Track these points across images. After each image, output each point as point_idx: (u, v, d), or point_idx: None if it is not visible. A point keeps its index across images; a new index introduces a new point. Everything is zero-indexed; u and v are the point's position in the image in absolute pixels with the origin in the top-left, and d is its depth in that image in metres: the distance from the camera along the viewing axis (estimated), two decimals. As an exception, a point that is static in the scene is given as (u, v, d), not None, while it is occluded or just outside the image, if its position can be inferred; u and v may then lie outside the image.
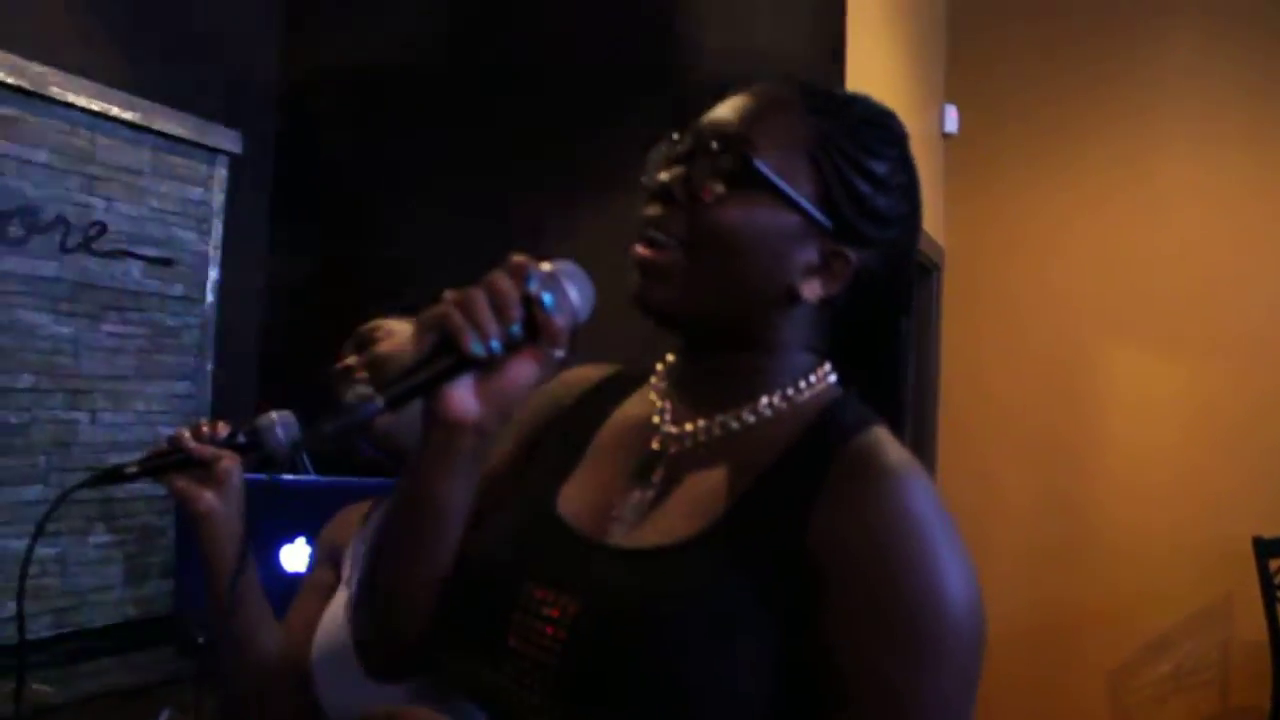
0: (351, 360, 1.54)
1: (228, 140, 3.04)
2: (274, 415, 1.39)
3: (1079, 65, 4.96)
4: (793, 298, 0.90)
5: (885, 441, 0.88)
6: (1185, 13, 4.87)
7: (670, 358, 0.99)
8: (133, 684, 2.58)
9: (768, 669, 0.79)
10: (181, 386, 2.97)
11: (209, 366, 3.02)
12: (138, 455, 2.77)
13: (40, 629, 2.58)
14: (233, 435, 1.39)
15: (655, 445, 0.94)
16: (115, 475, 1.34)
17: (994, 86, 5.05)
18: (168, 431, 2.97)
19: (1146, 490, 4.81)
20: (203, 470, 1.35)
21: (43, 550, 2.58)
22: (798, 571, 0.81)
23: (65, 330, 2.66)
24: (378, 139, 3.20)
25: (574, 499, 0.94)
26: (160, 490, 2.85)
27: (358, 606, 0.98)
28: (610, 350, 1.09)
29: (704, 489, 0.89)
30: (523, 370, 0.86)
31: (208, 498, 1.35)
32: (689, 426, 0.93)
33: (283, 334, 3.22)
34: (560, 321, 0.84)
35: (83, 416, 2.72)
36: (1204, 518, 4.68)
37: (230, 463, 1.36)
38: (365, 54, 3.19)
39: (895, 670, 0.78)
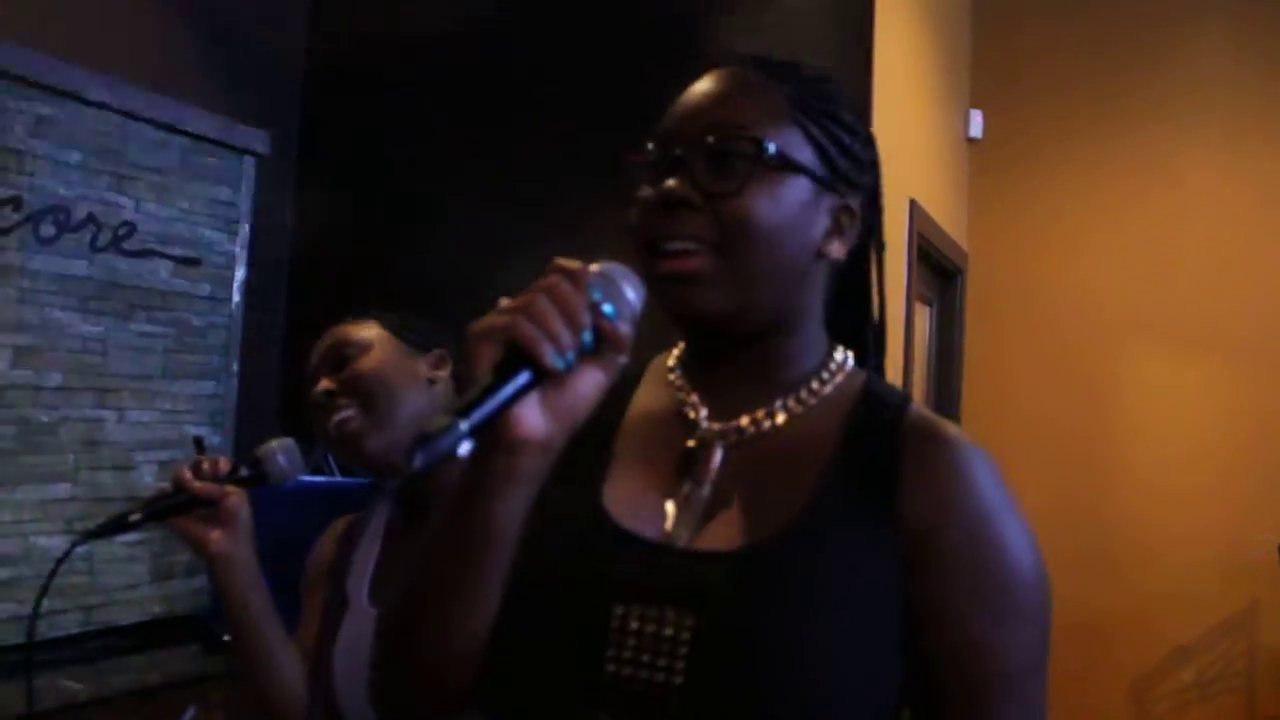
0: (328, 384, 1.49)
1: (255, 140, 3.06)
2: (274, 444, 1.38)
3: (1103, 70, 4.94)
4: (819, 260, 0.91)
5: (930, 414, 0.92)
6: (1211, 18, 4.83)
7: (679, 348, 0.98)
8: (158, 681, 2.60)
9: (893, 653, 0.82)
10: (207, 386, 2.99)
11: (235, 366, 3.04)
12: (164, 454, 2.81)
13: (69, 625, 2.60)
14: (235, 469, 1.37)
15: (692, 442, 0.91)
16: (120, 524, 1.33)
17: (1018, 91, 5.03)
18: (193, 431, 3.01)
19: (1171, 495, 4.78)
20: (209, 510, 1.34)
21: (71, 547, 2.61)
22: (899, 552, 0.83)
23: (94, 329, 2.68)
24: (405, 137, 3.21)
25: (620, 501, 0.89)
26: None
27: (387, 662, 0.89)
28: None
29: (770, 483, 0.88)
30: (591, 380, 0.79)
31: (217, 538, 1.33)
32: (732, 422, 0.92)
33: (308, 334, 3.23)
34: (624, 327, 0.79)
35: (110, 415, 2.74)
36: (1229, 524, 4.64)
37: (236, 499, 1.34)
38: (392, 51, 3.21)
39: (996, 635, 0.83)
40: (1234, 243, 4.80)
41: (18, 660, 1.98)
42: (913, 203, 3.76)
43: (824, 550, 0.83)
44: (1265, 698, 4.65)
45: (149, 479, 2.79)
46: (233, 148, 3.00)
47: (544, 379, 0.76)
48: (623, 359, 0.80)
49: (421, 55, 3.20)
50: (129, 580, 2.77)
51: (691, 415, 0.93)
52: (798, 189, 0.88)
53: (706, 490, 0.88)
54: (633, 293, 0.82)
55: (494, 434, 0.76)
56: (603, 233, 1.14)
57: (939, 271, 4.70)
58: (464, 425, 0.70)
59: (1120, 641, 4.79)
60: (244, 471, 1.38)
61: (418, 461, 0.68)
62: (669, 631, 0.80)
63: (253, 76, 3.14)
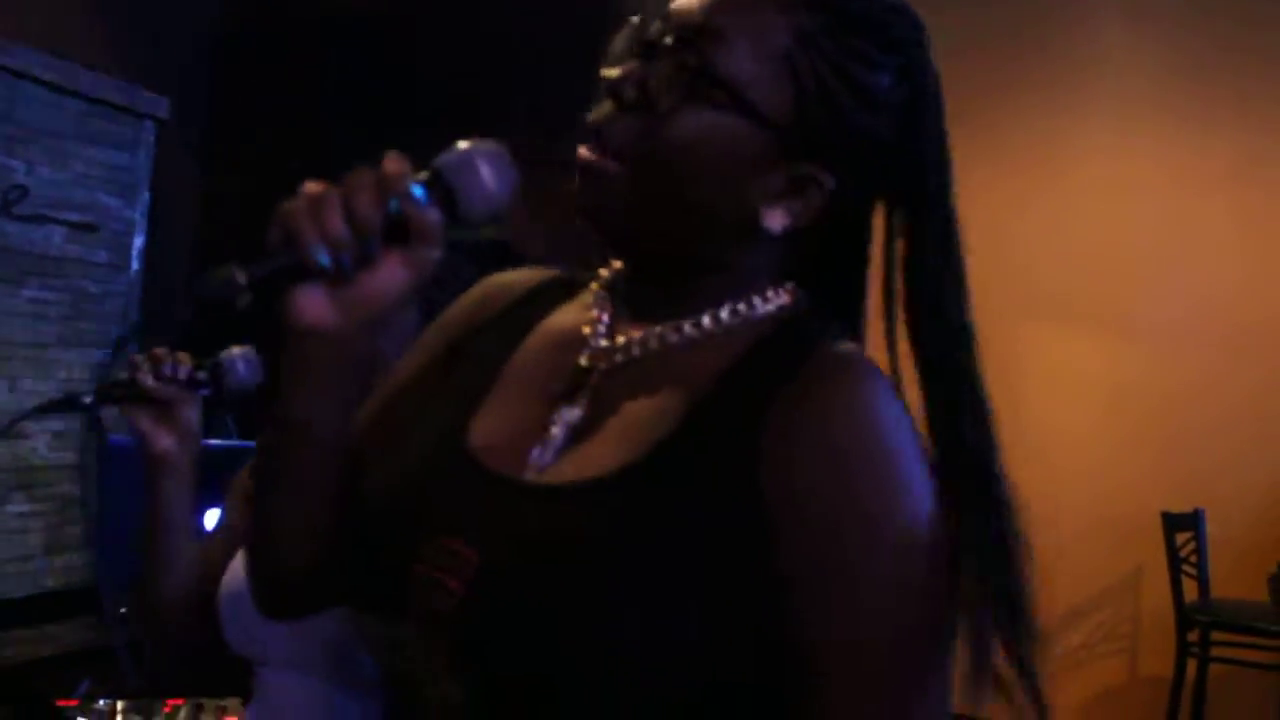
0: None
1: (155, 105, 2.99)
2: (235, 350, 1.36)
3: (1000, 54, 5.06)
4: (754, 226, 0.76)
5: (859, 357, 0.77)
6: (1105, 5, 4.98)
7: (615, 264, 0.85)
8: (51, 654, 2.56)
9: (704, 620, 0.70)
10: (105, 354, 2.93)
11: (134, 335, 2.99)
12: (59, 424, 2.75)
13: (-43, 598, 2.55)
14: (192, 372, 1.35)
15: (584, 361, 0.80)
16: (71, 404, 1.33)
17: (925, 70, 5.12)
18: (89, 401, 2.94)
19: (1065, 467, 4.95)
20: (162, 407, 1.34)
21: (-40, 519, 2.55)
22: (745, 501, 0.71)
23: (-16, 296, 2.61)
24: (312, 105, 3.17)
25: (488, 428, 0.82)
26: (78, 461, 2.83)
27: (247, 543, 0.90)
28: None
29: (637, 412, 0.77)
30: (390, 275, 0.71)
31: (160, 437, 1.32)
32: (621, 339, 0.80)
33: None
34: (431, 216, 0.71)
35: (1, 384, 2.67)
36: (1118, 494, 4.83)
37: (190, 409, 1.33)
38: (300, 17, 3.15)
39: (868, 600, 0.71)
40: (1127, 226, 4.98)
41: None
42: (819, 179, 3.82)
43: (649, 493, 0.72)
44: (1148, 658, 4.87)
45: (43, 450, 2.73)
46: (131, 111, 2.93)
47: (311, 272, 0.71)
48: (432, 253, 0.72)
49: (333, 22, 3.15)
50: (21, 552, 2.71)
51: (587, 331, 0.82)
52: (741, 129, 0.74)
53: (577, 414, 0.79)
54: (493, 176, 0.73)
55: (287, 324, 0.74)
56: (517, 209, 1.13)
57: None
58: (241, 279, 0.70)
59: (1013, 607, 4.95)
60: (201, 376, 1.35)
61: (191, 309, 0.70)
62: (455, 564, 0.74)
63: (157, 41, 3.06)
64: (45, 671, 2.47)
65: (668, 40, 0.75)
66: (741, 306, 0.79)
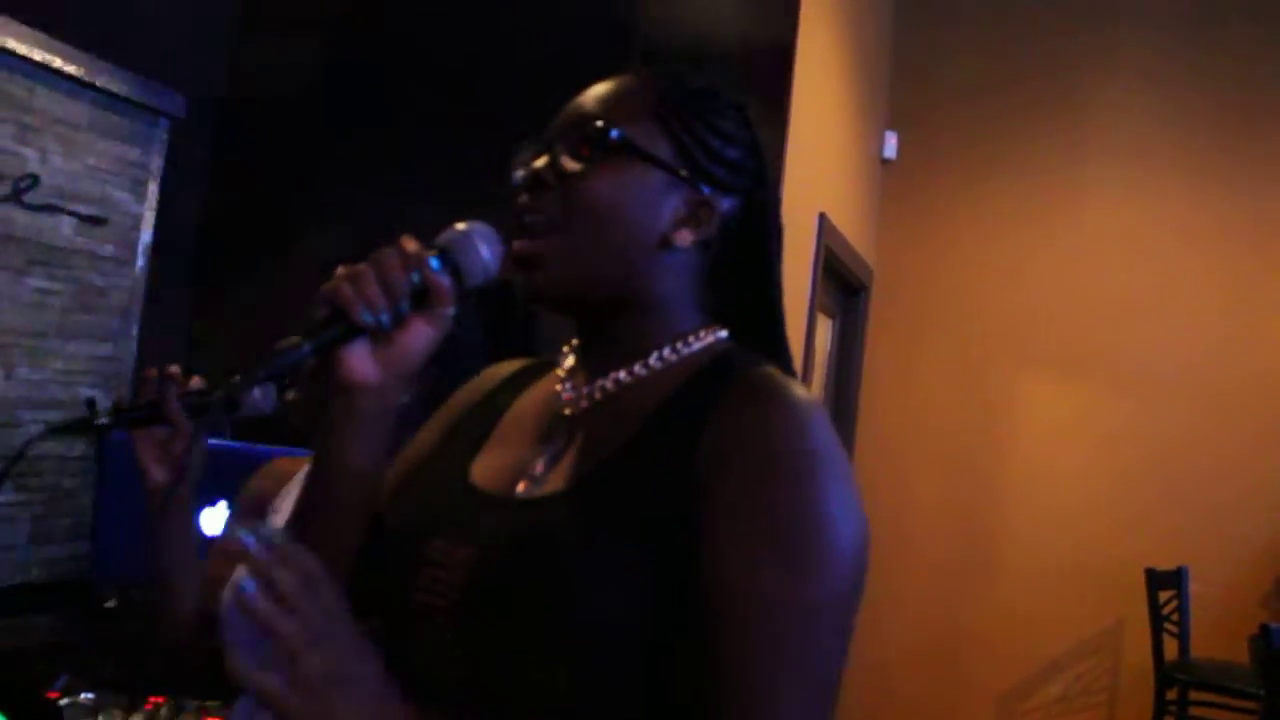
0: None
1: (171, 103, 3.00)
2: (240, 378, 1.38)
3: (1016, 102, 5.11)
4: (666, 246, 0.96)
5: (782, 375, 0.92)
6: (1119, 57, 5.04)
7: (575, 340, 1.05)
8: (31, 646, 2.54)
9: (660, 602, 0.83)
10: (105, 348, 2.92)
11: (134, 330, 2.98)
12: (53, 415, 2.74)
13: (-60, 584, 2.53)
14: (207, 393, 1.36)
15: (568, 411, 1.00)
16: (85, 426, 1.33)
17: (934, 118, 5.18)
18: (87, 393, 2.94)
19: (1052, 515, 4.96)
20: (169, 435, 1.34)
21: (-52, 504, 2.53)
22: (688, 497, 0.85)
23: (-12, 282, 2.61)
24: (325, 114, 3.18)
25: (485, 467, 1.00)
26: (72, 451, 2.82)
27: None
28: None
29: (597, 439, 0.95)
30: (418, 333, 0.91)
31: (167, 473, 1.33)
32: (586, 389, 0.99)
33: (213, 301, 3.19)
34: (444, 281, 0.90)
35: (-1, 371, 2.67)
36: (1103, 546, 4.84)
37: (185, 440, 1.34)
38: (321, 28, 3.17)
39: (766, 573, 0.81)
40: (1128, 278, 5.01)
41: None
42: (822, 216, 3.85)
43: (605, 497, 0.88)
44: (1125, 713, 4.86)
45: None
46: (147, 107, 2.94)
47: (359, 332, 0.89)
48: (448, 311, 0.91)
49: (351, 32, 3.17)
50: (6, 541, 2.70)
51: (558, 389, 1.02)
52: (644, 177, 0.95)
53: (555, 450, 0.97)
54: (488, 251, 0.92)
55: (333, 381, 0.91)
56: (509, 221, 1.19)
57: (844, 286, 4.81)
58: (305, 345, 0.87)
59: (992, 654, 4.95)
60: (217, 399, 1.36)
61: (261, 372, 0.87)
62: (457, 562, 0.90)
63: (176, 38, 3.08)
64: (24, 663, 2.45)
65: (569, 128, 0.97)
66: (679, 345, 0.98)
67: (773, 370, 0.93)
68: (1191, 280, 4.94)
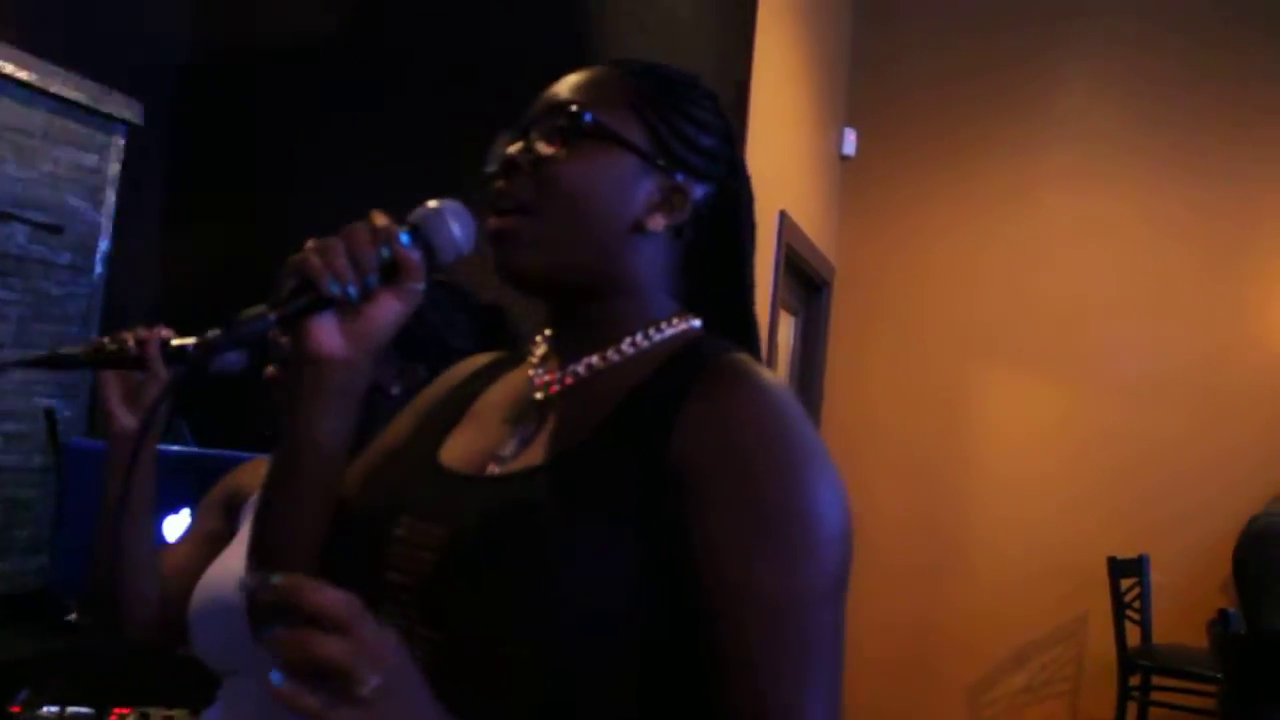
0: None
1: (128, 109, 2.97)
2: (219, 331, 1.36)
3: (973, 97, 5.16)
4: (639, 231, 0.97)
5: (753, 362, 0.94)
6: (1073, 52, 5.10)
7: (547, 330, 1.05)
8: (-7, 660, 2.50)
9: (630, 582, 0.83)
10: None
11: (93, 338, 2.95)
12: (11, 426, 2.71)
13: (-102, 600, 2.49)
14: (181, 347, 1.36)
15: (539, 395, 1.00)
16: (59, 360, 1.33)
17: (892, 114, 5.22)
18: (45, 403, 2.90)
19: (1014, 511, 5.02)
20: (135, 383, 1.34)
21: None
22: (662, 482, 0.86)
23: (-57, 292, 2.57)
24: (283, 120, 3.16)
25: (455, 449, 1.00)
26: (29, 463, 2.79)
27: (251, 552, 0.99)
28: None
29: (570, 421, 0.95)
30: (387, 307, 0.90)
31: (132, 420, 1.34)
32: (557, 373, 1.00)
33: (172, 310, 3.16)
34: (414, 255, 0.89)
35: (-46, 382, 2.63)
36: (1066, 541, 4.91)
37: (158, 389, 1.34)
38: (277, 33, 3.15)
39: (761, 567, 0.83)
40: (1090, 273, 5.07)
41: None
42: (782, 214, 3.87)
43: (578, 476, 0.89)
44: (1089, 700, 4.93)
45: (-5, 451, 2.69)
46: (103, 114, 2.91)
47: (327, 303, 0.88)
48: (416, 286, 0.90)
49: (306, 35, 3.16)
50: (-34, 555, 2.66)
51: (531, 373, 1.03)
52: (617, 161, 0.97)
53: (526, 432, 0.97)
54: (459, 229, 0.92)
55: (300, 353, 0.90)
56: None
57: (806, 283, 4.84)
58: (272, 316, 0.86)
59: (959, 648, 5.01)
60: (189, 348, 1.35)
61: (221, 340, 0.86)
62: (426, 540, 0.90)
63: (129, 43, 3.05)
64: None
65: (545, 114, 0.98)
66: (651, 331, 0.99)
67: (744, 356, 0.94)
68: (1157, 274, 5.01)
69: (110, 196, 2.96)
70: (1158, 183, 5.03)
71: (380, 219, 0.90)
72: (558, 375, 0.99)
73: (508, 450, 0.96)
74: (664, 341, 0.98)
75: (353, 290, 0.88)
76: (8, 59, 2.63)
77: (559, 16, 2.98)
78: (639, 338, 0.98)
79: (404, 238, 0.90)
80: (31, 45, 2.70)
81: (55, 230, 2.81)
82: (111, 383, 1.35)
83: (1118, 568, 4.66)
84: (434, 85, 3.05)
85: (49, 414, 2.80)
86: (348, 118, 3.11)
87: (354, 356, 0.90)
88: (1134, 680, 4.51)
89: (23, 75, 2.67)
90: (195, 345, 0.85)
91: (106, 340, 1.35)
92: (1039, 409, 5.10)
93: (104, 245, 2.96)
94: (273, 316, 0.86)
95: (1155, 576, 4.73)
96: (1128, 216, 5.05)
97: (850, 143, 5.17)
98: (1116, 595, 4.62)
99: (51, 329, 2.84)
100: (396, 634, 0.74)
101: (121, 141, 2.97)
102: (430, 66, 3.06)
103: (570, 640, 0.82)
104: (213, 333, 0.86)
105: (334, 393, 0.91)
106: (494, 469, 0.95)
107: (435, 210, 0.92)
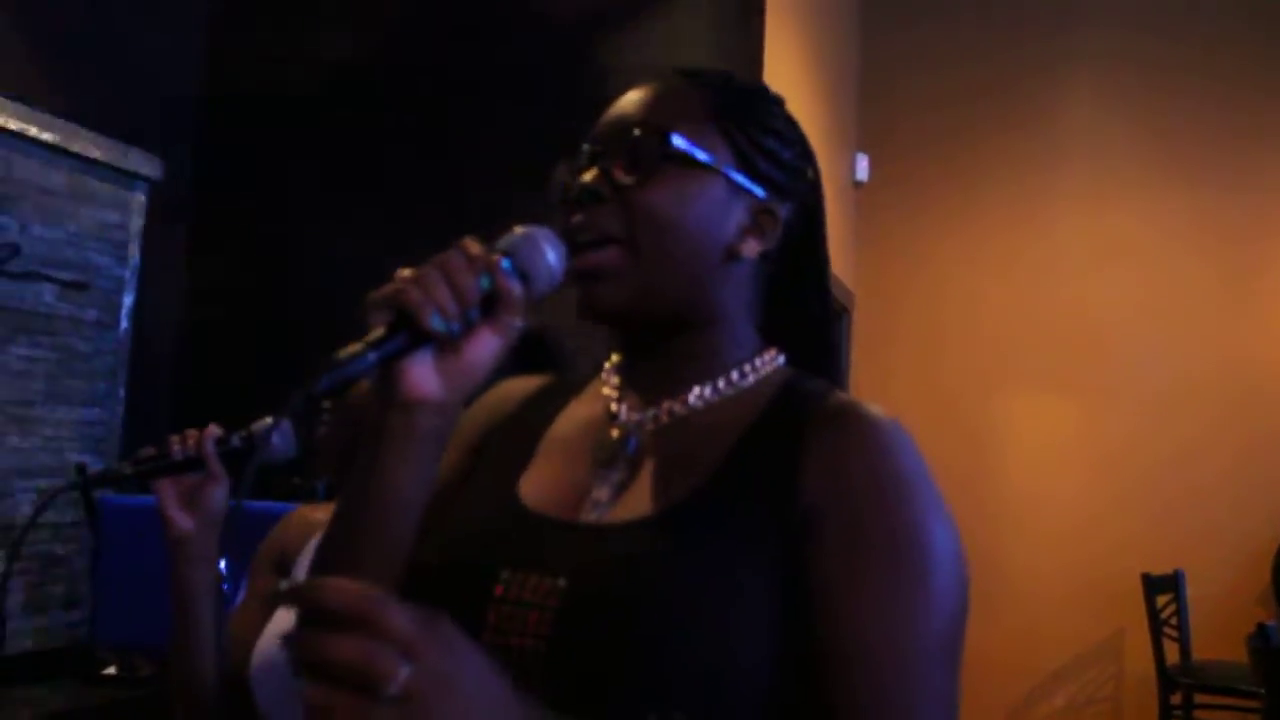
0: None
1: (148, 165, 3.02)
2: (268, 421, 1.37)
3: (983, 120, 5.17)
4: (733, 258, 0.91)
5: (860, 400, 0.89)
6: (1082, 74, 5.11)
7: (615, 358, 0.99)
8: (31, 718, 2.51)
9: (768, 631, 0.78)
10: (92, 413, 2.92)
11: (121, 393, 2.98)
12: (43, 482, 2.73)
13: (-64, 659, 2.50)
14: (227, 439, 1.36)
15: (615, 434, 0.93)
16: (111, 477, 1.34)
17: (903, 137, 5.23)
18: (75, 458, 2.93)
19: (1046, 533, 4.97)
20: (189, 486, 1.34)
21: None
22: (792, 529, 0.81)
23: (-27, 352, 2.61)
24: (299, 169, 3.20)
25: (535, 491, 0.92)
26: (64, 518, 2.81)
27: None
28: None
29: (675, 465, 0.88)
30: (485, 344, 0.82)
31: (189, 523, 1.34)
32: (650, 411, 0.92)
33: (198, 362, 3.19)
34: (515, 286, 0.81)
35: (-14, 441, 2.66)
36: (1099, 559, 4.86)
37: (217, 489, 1.35)
38: (289, 82, 3.20)
39: (890, 606, 0.79)
40: (1106, 290, 5.05)
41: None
42: (802, 243, 3.87)
43: (706, 522, 0.83)
44: (1129, 718, 4.86)
45: (26, 508, 2.71)
46: (124, 171, 2.96)
47: (428, 340, 0.79)
48: (516, 321, 0.82)
49: (320, 83, 3.20)
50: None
51: (614, 409, 0.94)
52: (708, 185, 0.90)
53: (620, 475, 0.90)
54: (554, 256, 0.84)
55: (389, 396, 0.81)
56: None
57: (827, 309, 4.84)
58: (372, 356, 0.75)
59: (998, 671, 4.95)
60: (236, 444, 1.36)
61: (324, 382, 0.73)
62: (540, 598, 0.81)
63: (147, 101, 3.10)
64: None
65: (624, 138, 0.90)
66: (746, 369, 0.93)
67: (851, 397, 0.90)
68: (1173, 285, 4.99)
69: (134, 252, 3.00)
70: (1170, 196, 5.02)
71: (474, 246, 0.81)
72: (648, 414, 0.92)
73: (603, 495, 0.89)
74: (759, 380, 0.93)
75: (456, 326, 0.79)
76: (30, 120, 2.68)
77: (560, 52, 3.01)
78: (734, 375, 0.92)
79: (506, 264, 0.81)
80: (51, 106, 2.75)
81: (81, 287, 2.85)
82: (167, 488, 1.34)
83: (1152, 585, 4.61)
84: (454, 131, 3.08)
85: (80, 469, 2.83)
86: (365, 169, 3.15)
87: (450, 399, 0.82)
88: (1175, 699, 4.45)
89: (46, 136, 2.72)
90: (288, 408, 0.75)
91: (154, 450, 1.36)
92: (1062, 426, 5.07)
93: (128, 300, 2.99)
94: (373, 356, 0.76)
95: (1191, 591, 4.67)
96: (1141, 229, 5.04)
97: (863, 168, 5.18)
98: (1153, 613, 4.57)
99: (81, 384, 2.87)
100: (443, 613, 0.64)
101: (143, 198, 3.02)
102: (448, 113, 3.09)
103: (718, 699, 0.77)
104: (260, 423, 0.77)
105: (424, 439, 0.82)
106: (591, 515, 0.88)
107: (528, 235, 0.83)
